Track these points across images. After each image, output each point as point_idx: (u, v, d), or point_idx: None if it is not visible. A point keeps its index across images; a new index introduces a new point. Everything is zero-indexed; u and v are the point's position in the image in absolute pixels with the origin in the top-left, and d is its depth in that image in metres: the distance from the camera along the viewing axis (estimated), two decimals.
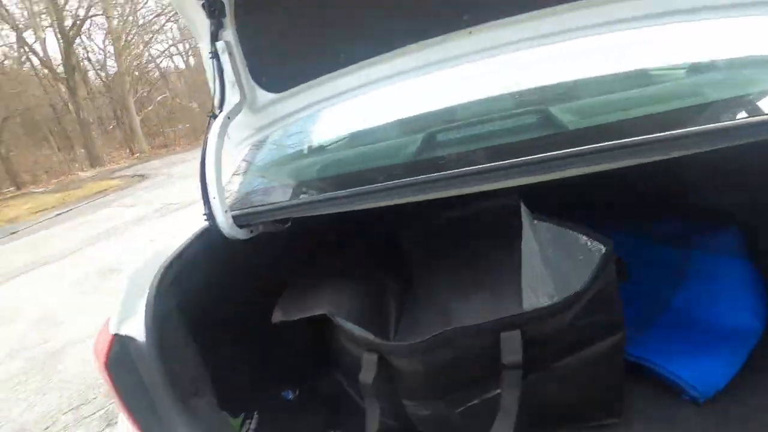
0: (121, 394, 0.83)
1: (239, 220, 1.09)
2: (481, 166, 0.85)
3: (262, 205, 1.10)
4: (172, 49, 23.10)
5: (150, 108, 21.34)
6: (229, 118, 1.14)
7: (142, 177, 12.76)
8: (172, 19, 21.38)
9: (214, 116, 1.13)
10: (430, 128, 1.18)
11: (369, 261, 1.35)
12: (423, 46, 1.04)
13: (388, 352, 0.94)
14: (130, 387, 0.84)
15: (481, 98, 1.19)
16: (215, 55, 1.14)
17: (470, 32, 1.02)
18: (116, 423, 2.42)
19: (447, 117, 1.21)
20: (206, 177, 1.05)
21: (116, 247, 5.97)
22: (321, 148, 1.44)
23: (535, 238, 1.10)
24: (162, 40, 22.40)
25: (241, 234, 1.09)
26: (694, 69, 1.09)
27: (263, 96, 1.23)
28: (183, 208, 7.36)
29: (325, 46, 1.17)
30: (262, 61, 1.20)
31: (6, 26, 17.71)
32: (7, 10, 17.21)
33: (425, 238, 1.35)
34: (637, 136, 0.77)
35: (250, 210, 1.10)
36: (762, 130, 0.74)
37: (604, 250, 0.95)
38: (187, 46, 23.40)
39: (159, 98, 21.81)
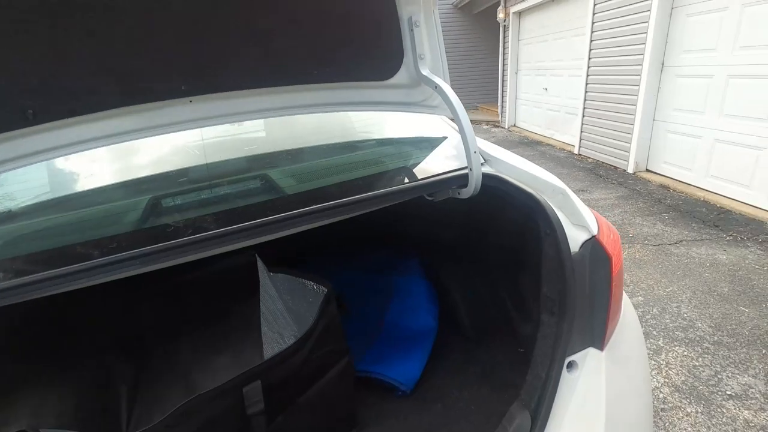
0: None
1: None
2: (186, 238, 0.86)
3: None
4: None
5: None
6: None
7: None
8: None
9: None
10: (151, 194, 1.13)
11: (87, 346, 1.14)
12: (138, 110, 1.01)
13: None
14: None
15: (200, 164, 1.23)
16: None
17: (191, 101, 1.06)
18: None
19: (167, 184, 1.18)
20: None
21: None
22: (10, 218, 1.13)
23: (273, 288, 1.21)
24: None
25: None
26: (379, 144, 1.49)
27: None
28: None
29: (10, 99, 0.96)
30: None
31: None
32: None
33: (157, 306, 1.25)
34: (336, 199, 0.99)
35: None
36: (423, 189, 1.09)
37: (325, 291, 1.14)
38: None
39: None
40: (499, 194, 1.13)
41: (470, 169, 1.08)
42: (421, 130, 1.48)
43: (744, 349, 2.25)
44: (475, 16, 11.85)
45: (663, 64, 4.94)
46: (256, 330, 1.13)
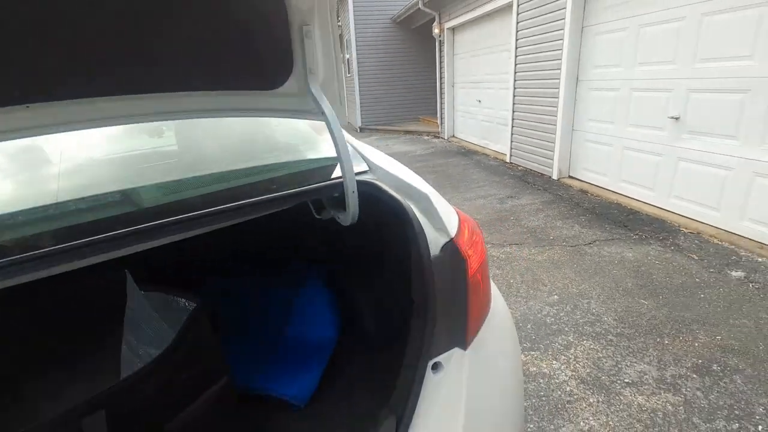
0: None
1: None
2: (43, 249, 0.81)
3: None
4: None
5: None
6: None
7: None
8: None
9: None
10: None
11: None
12: None
13: None
14: None
15: (51, 177, 1.13)
16: None
17: (28, 107, 0.97)
18: None
19: (4, 200, 1.07)
20: None
21: None
22: None
23: (144, 306, 1.13)
24: None
25: None
26: (260, 154, 1.45)
27: None
28: None
29: None
30: None
31: None
32: None
33: (4, 329, 1.12)
34: (199, 210, 0.94)
35: None
36: (291, 199, 1.06)
37: (191, 308, 1.08)
38: None
39: None
40: (374, 201, 1.13)
41: (348, 206, 1.08)
42: (308, 138, 1.47)
43: (642, 339, 2.42)
44: (414, 31, 12.22)
45: (578, 78, 5.33)
46: (117, 354, 1.05)
